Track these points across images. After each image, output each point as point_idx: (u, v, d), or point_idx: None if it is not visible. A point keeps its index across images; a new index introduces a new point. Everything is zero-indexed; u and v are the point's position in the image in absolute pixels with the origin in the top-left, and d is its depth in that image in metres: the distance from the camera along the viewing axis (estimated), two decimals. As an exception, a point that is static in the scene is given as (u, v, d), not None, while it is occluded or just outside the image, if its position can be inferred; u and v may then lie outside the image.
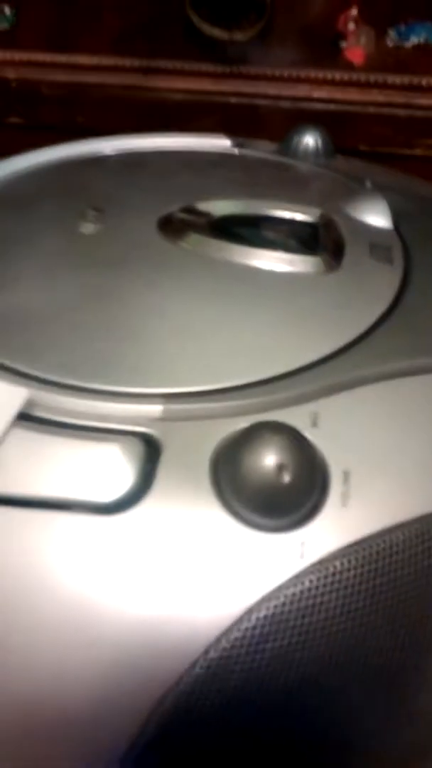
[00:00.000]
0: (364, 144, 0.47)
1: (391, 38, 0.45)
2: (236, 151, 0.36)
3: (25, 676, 0.18)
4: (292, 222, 0.29)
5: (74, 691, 0.18)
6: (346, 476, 0.19)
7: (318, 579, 0.18)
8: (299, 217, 0.29)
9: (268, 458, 0.18)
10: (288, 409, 0.20)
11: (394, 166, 0.41)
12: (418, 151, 0.47)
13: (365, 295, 0.25)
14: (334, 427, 0.20)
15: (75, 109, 0.52)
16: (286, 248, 0.27)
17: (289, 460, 0.18)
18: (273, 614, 0.18)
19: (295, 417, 0.20)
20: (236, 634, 0.17)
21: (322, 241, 0.28)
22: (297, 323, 0.24)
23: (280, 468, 0.18)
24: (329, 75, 0.47)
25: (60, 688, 0.18)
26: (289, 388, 0.21)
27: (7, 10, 0.51)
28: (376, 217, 0.29)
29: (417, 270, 0.27)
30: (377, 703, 0.19)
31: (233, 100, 0.49)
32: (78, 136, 0.39)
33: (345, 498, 0.19)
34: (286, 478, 0.18)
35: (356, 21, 0.45)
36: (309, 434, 0.19)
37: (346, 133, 0.47)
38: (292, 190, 0.32)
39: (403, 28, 0.44)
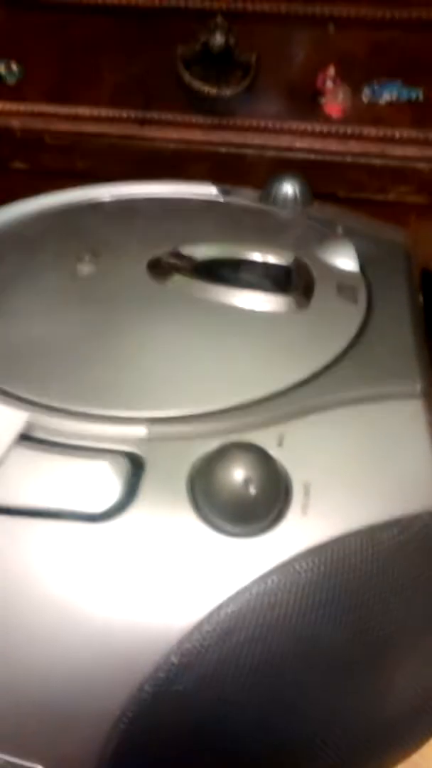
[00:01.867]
0: (342, 190, 0.51)
1: (366, 95, 0.49)
2: (221, 198, 0.40)
3: (15, 662, 0.20)
4: (267, 265, 0.32)
5: (61, 681, 0.20)
6: (306, 489, 0.22)
7: (280, 579, 0.20)
8: (274, 260, 0.32)
9: (237, 473, 0.21)
10: (257, 431, 0.23)
11: (369, 211, 0.44)
12: (391, 197, 0.51)
13: (331, 330, 0.28)
14: (298, 446, 0.23)
15: (75, 156, 0.56)
16: (262, 288, 0.30)
17: (255, 475, 0.21)
18: (240, 609, 0.20)
19: (263, 437, 0.23)
20: (207, 627, 0.20)
21: (294, 282, 0.31)
22: (268, 355, 0.27)
23: (247, 482, 0.21)
24: (310, 127, 0.51)
25: (48, 674, 0.20)
26: (260, 412, 0.24)
27: (14, 67, 0.55)
28: (344, 260, 0.33)
29: (379, 308, 0.30)
30: (331, 692, 0.21)
31: (222, 149, 0.53)
32: (78, 181, 0.43)
33: (305, 508, 0.21)
34: (252, 490, 0.20)
35: (333, 79, 0.49)
36: (274, 452, 0.22)
37: (325, 180, 0.50)
38: (270, 235, 0.35)
39: (376, 85, 0.49)
